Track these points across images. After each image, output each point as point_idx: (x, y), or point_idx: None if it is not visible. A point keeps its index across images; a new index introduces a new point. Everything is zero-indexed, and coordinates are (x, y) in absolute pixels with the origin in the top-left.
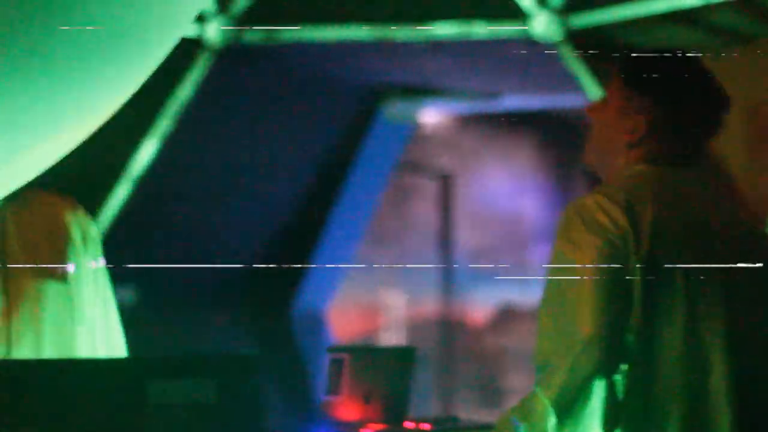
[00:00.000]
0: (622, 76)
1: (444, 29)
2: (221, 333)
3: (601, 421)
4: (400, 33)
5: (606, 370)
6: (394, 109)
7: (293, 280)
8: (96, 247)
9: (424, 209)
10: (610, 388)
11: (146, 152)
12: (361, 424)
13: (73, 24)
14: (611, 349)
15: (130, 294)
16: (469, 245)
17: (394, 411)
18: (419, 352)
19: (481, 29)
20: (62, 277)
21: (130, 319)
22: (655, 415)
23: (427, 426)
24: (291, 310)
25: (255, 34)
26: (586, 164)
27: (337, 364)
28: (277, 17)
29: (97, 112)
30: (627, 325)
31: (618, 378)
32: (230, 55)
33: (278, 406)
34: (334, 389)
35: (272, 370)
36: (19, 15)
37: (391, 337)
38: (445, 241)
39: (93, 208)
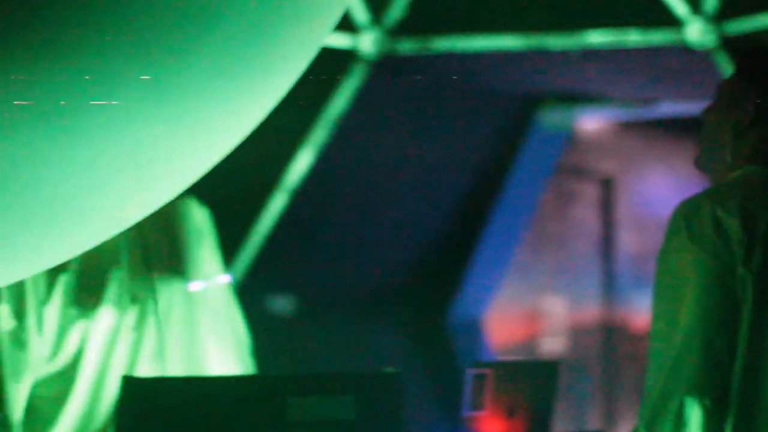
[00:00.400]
0: (734, 66)
1: (597, 37)
2: (380, 340)
3: None
4: (553, 42)
5: (700, 392)
6: (550, 116)
7: (451, 287)
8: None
9: (586, 213)
10: (712, 415)
11: (302, 163)
12: None
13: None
14: (706, 370)
15: (287, 304)
16: (630, 249)
17: (538, 426)
18: (580, 359)
19: (634, 37)
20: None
21: (287, 328)
22: None
23: None
24: (448, 318)
25: (409, 44)
26: (696, 168)
27: (479, 379)
28: (430, 27)
29: (245, 121)
30: (727, 343)
31: (721, 403)
32: (385, 65)
33: (433, 416)
34: (476, 404)
35: (426, 380)
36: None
37: (551, 344)
38: (606, 245)
39: (250, 218)
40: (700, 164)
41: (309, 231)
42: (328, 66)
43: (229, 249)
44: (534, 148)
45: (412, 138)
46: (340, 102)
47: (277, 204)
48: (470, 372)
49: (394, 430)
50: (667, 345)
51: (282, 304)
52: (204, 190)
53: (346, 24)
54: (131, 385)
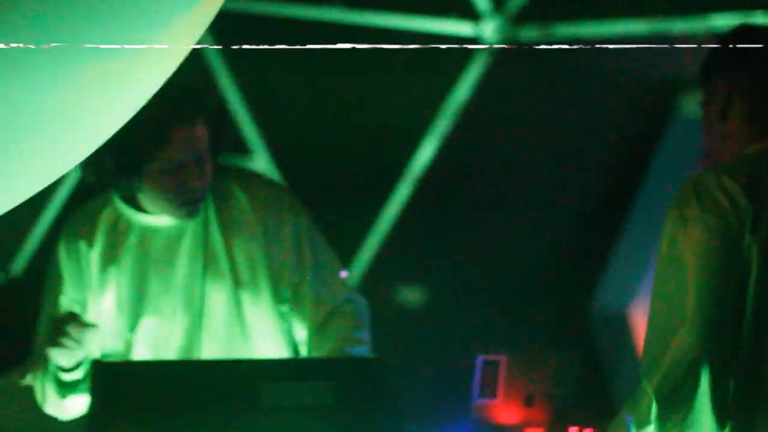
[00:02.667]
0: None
1: (722, 20)
2: (511, 334)
3: (711, 412)
4: (677, 26)
5: (710, 355)
6: (692, 103)
7: (592, 281)
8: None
9: None
10: (719, 377)
11: (425, 153)
12: (520, 428)
13: None
14: (716, 334)
15: (414, 294)
16: None
17: (556, 415)
18: None
19: (761, 19)
20: None
21: (416, 319)
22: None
23: (590, 431)
24: (590, 311)
25: (531, 31)
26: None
27: (491, 366)
28: (553, 14)
29: None
30: (736, 307)
31: (728, 366)
32: (507, 53)
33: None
34: (488, 392)
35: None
36: None
37: None
38: None
39: (373, 210)
40: (708, 159)
41: (436, 221)
42: (452, 54)
43: (355, 239)
44: (676, 137)
45: (537, 128)
46: (463, 91)
47: (401, 195)
48: (481, 359)
49: (376, 418)
50: (671, 310)
51: (409, 294)
52: (329, 180)
53: (468, 11)
54: (102, 370)
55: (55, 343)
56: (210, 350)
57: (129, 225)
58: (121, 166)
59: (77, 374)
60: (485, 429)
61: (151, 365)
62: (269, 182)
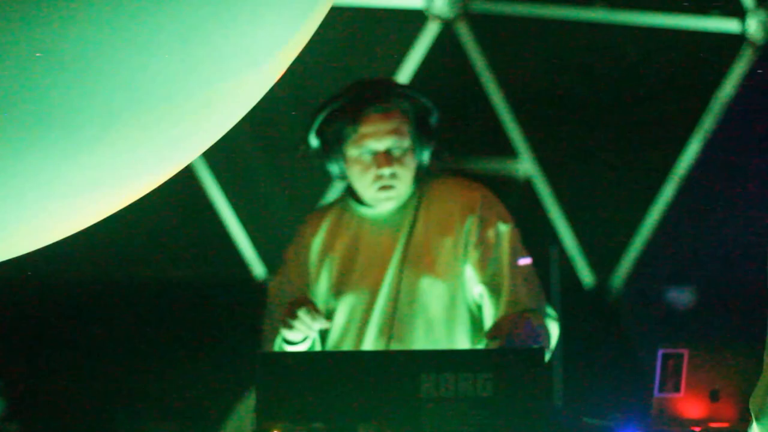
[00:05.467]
0: None
1: None
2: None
3: None
4: None
5: None
6: None
7: None
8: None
9: None
10: None
11: (691, 152)
12: (704, 422)
13: None
14: None
15: (682, 294)
16: None
17: (743, 410)
18: None
19: None
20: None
21: (678, 313)
22: None
23: None
24: None
25: None
26: None
27: (673, 359)
28: None
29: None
30: None
31: None
32: None
33: None
34: (671, 386)
35: None
36: None
37: None
38: None
39: (638, 210)
40: None
41: (701, 220)
42: (717, 50)
43: (620, 238)
44: None
45: None
46: (728, 87)
47: (667, 195)
48: (662, 352)
49: (534, 409)
50: None
51: (677, 294)
52: (593, 179)
53: (733, 7)
54: (268, 361)
55: (287, 325)
56: (398, 333)
57: (351, 217)
58: (325, 147)
59: (302, 347)
60: (667, 423)
61: (315, 356)
62: (473, 187)
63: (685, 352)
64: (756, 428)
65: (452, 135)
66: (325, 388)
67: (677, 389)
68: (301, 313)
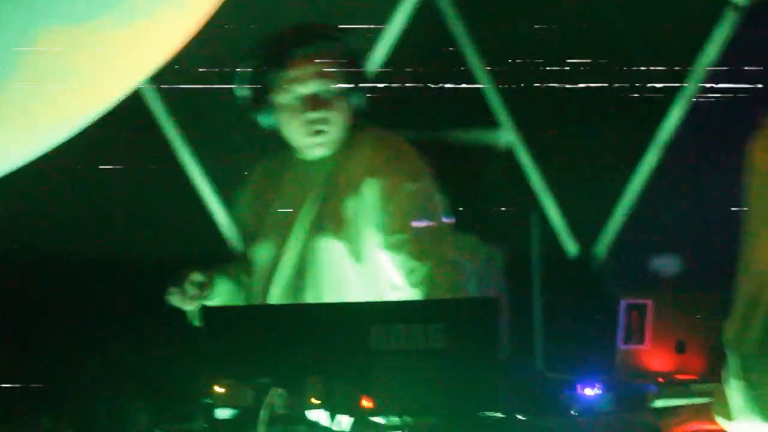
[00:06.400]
0: None
1: None
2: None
3: None
4: None
5: None
6: None
7: None
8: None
9: None
10: None
11: (674, 117)
12: (670, 375)
13: None
14: None
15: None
16: None
17: (711, 362)
18: None
19: None
20: None
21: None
22: None
23: None
24: None
25: None
26: None
27: (636, 310)
28: None
29: None
30: None
31: None
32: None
33: None
34: (635, 337)
35: None
36: None
37: None
38: None
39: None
40: None
41: (684, 190)
42: (700, 14)
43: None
44: None
45: None
46: (712, 51)
47: (649, 161)
48: (625, 302)
49: (487, 360)
50: (752, 253)
51: (665, 263)
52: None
53: None
54: (213, 315)
55: (171, 292)
56: (303, 291)
57: (282, 165)
58: (254, 97)
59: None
60: (632, 376)
61: (262, 309)
62: (395, 144)
63: (649, 303)
64: (733, 365)
65: (433, 105)
66: (273, 341)
67: (642, 341)
68: (176, 288)
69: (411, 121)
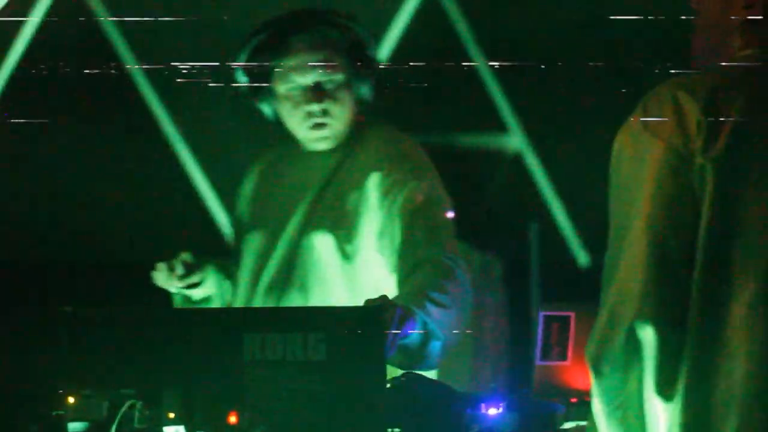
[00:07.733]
0: None
1: None
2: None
3: (654, 382)
4: None
5: (652, 313)
6: None
7: None
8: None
9: None
10: (665, 340)
11: None
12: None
13: None
14: (658, 283)
15: None
16: None
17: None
18: None
19: None
20: None
21: None
22: (719, 378)
23: None
24: None
25: None
26: (694, 67)
27: (557, 322)
28: None
29: None
30: (683, 249)
31: (673, 326)
32: None
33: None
34: (554, 353)
35: None
36: None
37: None
38: None
39: None
40: (698, 60)
41: None
42: None
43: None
44: None
45: None
46: None
47: None
48: (544, 314)
49: (372, 372)
50: (616, 260)
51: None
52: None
53: None
54: (71, 319)
55: (158, 268)
56: (291, 288)
57: (281, 158)
58: (252, 83)
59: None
60: (552, 395)
61: (126, 313)
62: (403, 141)
63: (572, 315)
64: (594, 385)
65: (440, 109)
66: (136, 349)
67: (563, 357)
68: (164, 264)
69: (414, 123)
